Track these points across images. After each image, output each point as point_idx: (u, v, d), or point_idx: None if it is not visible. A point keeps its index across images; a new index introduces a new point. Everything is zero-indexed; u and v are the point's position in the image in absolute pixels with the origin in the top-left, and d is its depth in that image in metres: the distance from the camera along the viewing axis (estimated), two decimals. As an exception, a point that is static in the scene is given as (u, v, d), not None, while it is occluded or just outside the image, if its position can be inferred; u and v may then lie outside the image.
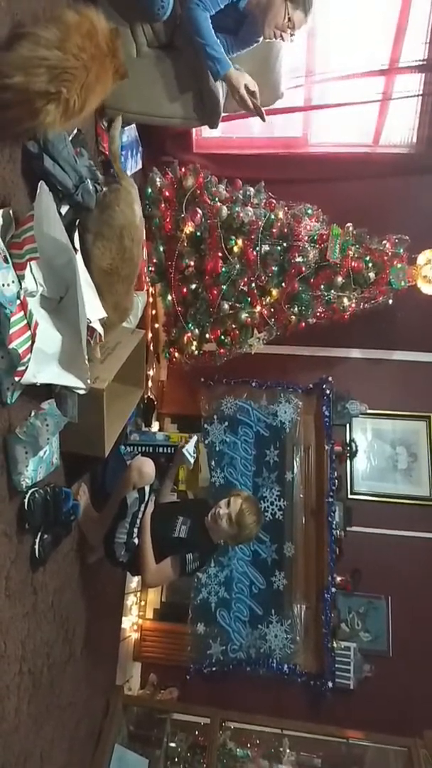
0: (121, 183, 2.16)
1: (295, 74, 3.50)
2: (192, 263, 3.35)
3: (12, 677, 1.97)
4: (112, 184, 2.18)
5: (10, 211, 1.71)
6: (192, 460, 2.98)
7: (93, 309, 1.97)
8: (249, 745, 3.54)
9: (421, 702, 3.64)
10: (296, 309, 3.45)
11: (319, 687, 3.66)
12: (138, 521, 2.49)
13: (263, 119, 2.34)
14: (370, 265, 3.44)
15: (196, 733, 3.54)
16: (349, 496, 4.13)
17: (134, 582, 3.85)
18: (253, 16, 2.40)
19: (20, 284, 1.70)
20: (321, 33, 3.48)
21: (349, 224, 3.46)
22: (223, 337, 3.56)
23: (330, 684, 3.64)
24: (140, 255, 2.28)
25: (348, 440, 4.21)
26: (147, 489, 2.50)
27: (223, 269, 3.29)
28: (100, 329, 2.04)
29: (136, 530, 2.50)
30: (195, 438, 3.09)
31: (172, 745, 3.50)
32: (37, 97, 1.55)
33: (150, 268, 3.41)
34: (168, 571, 2.53)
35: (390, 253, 3.47)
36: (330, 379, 4.11)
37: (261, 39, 2.57)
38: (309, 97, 3.67)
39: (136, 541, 2.50)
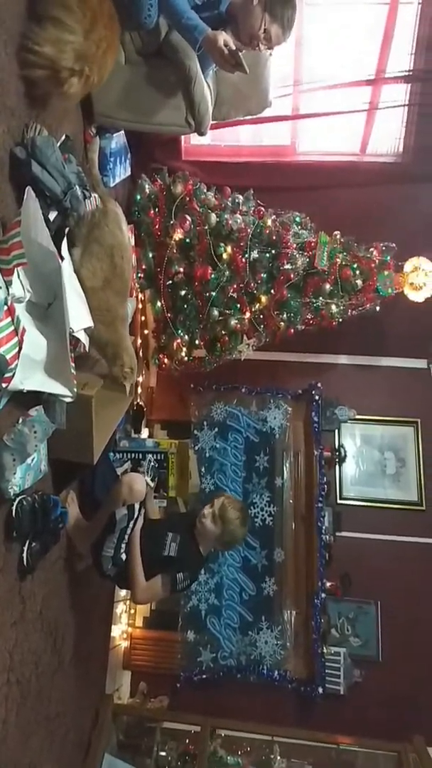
0: (106, 206, 2.16)
1: (283, 83, 3.53)
2: (181, 270, 3.36)
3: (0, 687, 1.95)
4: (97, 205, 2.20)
5: (-2, 217, 1.71)
6: (149, 480, 2.94)
7: (79, 318, 1.97)
8: (239, 753, 3.52)
9: (410, 707, 3.65)
10: (285, 315, 3.47)
11: (309, 693, 3.65)
12: (126, 537, 2.47)
13: (246, 72, 2.28)
14: (357, 272, 3.48)
15: (187, 741, 3.52)
16: (339, 502, 4.14)
17: (123, 591, 3.83)
18: (233, 21, 2.40)
19: (8, 290, 1.69)
20: (308, 43, 3.51)
21: (336, 232, 3.50)
22: (212, 343, 3.57)
23: (320, 690, 3.63)
24: (131, 273, 2.28)
25: (337, 446, 4.22)
26: (136, 506, 2.49)
27: (213, 276, 3.31)
28: (84, 340, 2.04)
29: (123, 546, 2.47)
30: (148, 458, 3.08)
31: (163, 753, 3.47)
32: (64, 69, 1.85)
33: (139, 275, 3.41)
34: (158, 589, 2.52)
35: (377, 261, 3.50)
36: (319, 385, 4.13)
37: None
38: (297, 106, 3.69)
39: (123, 556, 2.47)
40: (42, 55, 1.80)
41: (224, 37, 2.22)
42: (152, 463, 3.07)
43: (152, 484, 3.00)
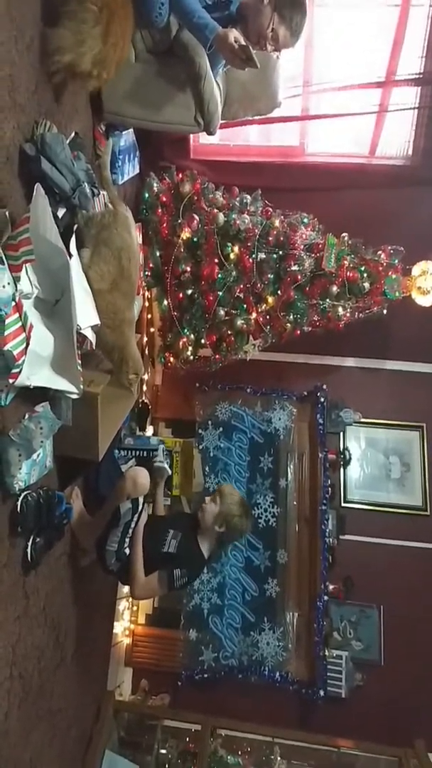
0: (116, 209, 2.17)
1: (293, 84, 3.53)
2: (188, 269, 3.37)
3: (2, 681, 1.96)
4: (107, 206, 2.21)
5: (7, 213, 1.71)
6: (167, 467, 2.98)
7: (86, 315, 1.97)
8: (240, 753, 3.52)
9: (412, 711, 3.64)
10: (291, 317, 3.47)
11: (310, 695, 3.65)
12: (130, 531, 2.48)
13: (257, 67, 2.29)
14: (365, 275, 3.47)
15: (187, 739, 3.52)
16: (342, 505, 4.13)
17: (126, 587, 3.84)
18: (243, 21, 2.41)
19: (16, 286, 1.70)
20: (319, 44, 3.52)
21: (344, 234, 3.49)
22: (218, 342, 3.57)
23: (321, 692, 3.63)
24: (138, 276, 2.29)
25: (342, 448, 4.22)
26: (141, 500, 2.49)
27: (219, 275, 3.31)
28: (91, 337, 2.04)
29: (127, 540, 2.48)
30: (161, 446, 3.10)
31: (163, 751, 3.48)
32: (83, 73, 1.98)
33: (146, 273, 3.42)
34: (155, 585, 2.51)
35: (385, 264, 3.49)
36: (324, 387, 4.13)
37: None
38: (306, 106, 3.70)
39: (127, 551, 2.49)
40: (61, 63, 1.92)
41: (234, 34, 2.24)
42: (166, 451, 3.08)
43: (169, 472, 3.02)
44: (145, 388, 3.83)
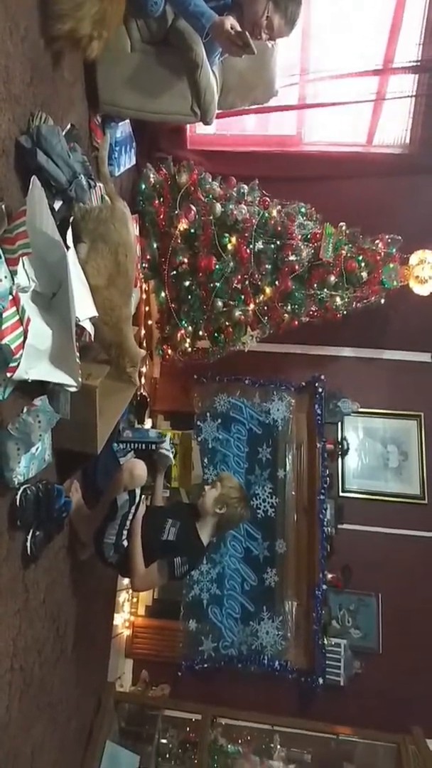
0: (114, 204, 2.15)
1: (289, 72, 3.50)
2: (186, 260, 3.36)
3: (3, 674, 1.96)
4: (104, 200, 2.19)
5: (3, 206, 1.69)
6: (171, 456, 2.99)
7: (84, 307, 1.97)
8: (240, 742, 3.55)
9: (410, 699, 3.67)
10: (289, 307, 3.46)
11: (309, 683, 3.68)
12: (128, 523, 2.48)
13: (254, 53, 2.28)
14: (362, 264, 3.46)
15: (188, 729, 3.55)
16: (341, 494, 4.15)
17: (126, 579, 3.85)
18: (238, 9, 2.39)
19: (13, 279, 1.69)
20: (315, 32, 3.48)
21: (342, 223, 3.48)
22: (216, 334, 3.56)
23: (320, 680, 3.66)
24: (134, 272, 2.28)
25: (340, 438, 4.23)
26: (138, 491, 2.49)
27: (217, 266, 3.30)
28: (90, 329, 2.03)
29: (125, 532, 2.48)
30: (168, 435, 3.11)
31: (164, 741, 3.51)
32: (84, 37, 2.01)
33: (143, 265, 3.41)
34: (156, 575, 2.51)
35: (383, 253, 3.49)
36: (322, 377, 4.12)
37: None
38: (303, 95, 3.67)
39: (125, 543, 2.49)
40: (63, 30, 1.94)
41: (231, 21, 2.22)
42: (172, 441, 3.10)
43: (172, 461, 3.03)
44: (143, 380, 3.83)
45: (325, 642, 3.72)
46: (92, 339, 2.10)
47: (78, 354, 1.91)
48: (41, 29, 1.93)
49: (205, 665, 3.78)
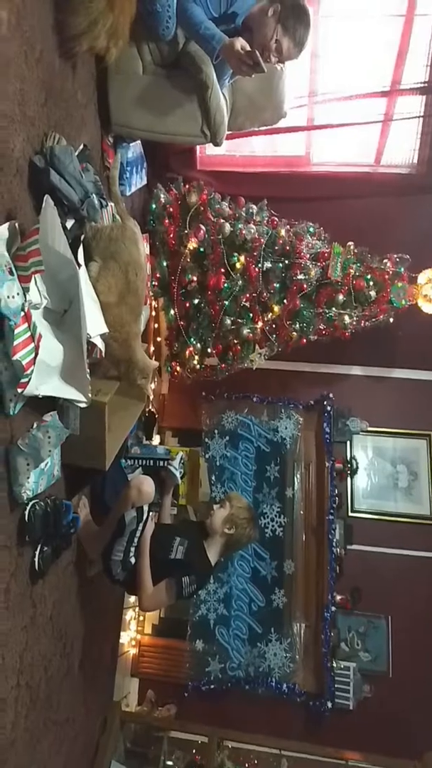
0: (125, 223, 2.19)
1: (298, 94, 3.56)
2: (195, 278, 3.39)
3: (9, 690, 1.95)
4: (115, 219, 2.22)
5: (16, 224, 1.73)
6: (178, 476, 2.97)
7: (95, 324, 1.99)
8: (247, 765, 3.48)
9: (420, 724, 3.60)
10: (297, 325, 3.48)
11: (318, 707, 3.62)
12: (135, 540, 2.47)
13: (264, 71, 2.31)
14: (371, 283, 3.48)
15: (194, 751, 3.49)
16: (350, 514, 4.11)
17: (133, 597, 3.83)
18: (247, 32, 2.43)
19: (25, 296, 1.72)
20: (324, 54, 3.54)
21: (350, 243, 3.51)
22: (224, 352, 3.58)
23: (329, 704, 3.60)
24: (144, 290, 2.30)
25: (348, 457, 4.20)
26: (145, 508, 2.49)
27: (226, 285, 3.33)
28: (101, 345, 2.05)
29: (133, 549, 2.47)
30: (181, 454, 3.10)
31: (170, 763, 3.45)
32: (101, 49, 2.11)
33: (153, 283, 3.44)
34: (164, 595, 2.49)
35: (391, 272, 3.50)
36: (331, 395, 4.13)
37: None
38: (312, 116, 3.73)
39: (132, 560, 2.47)
40: (82, 49, 2.05)
41: (241, 42, 2.26)
42: (183, 461, 3.07)
43: (178, 481, 3.02)
44: (152, 397, 3.84)
45: (334, 665, 3.68)
46: (103, 355, 2.12)
47: (88, 370, 1.93)
48: (57, 50, 1.98)
49: (212, 686, 3.73)
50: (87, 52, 2.10)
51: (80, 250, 1.99)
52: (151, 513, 2.58)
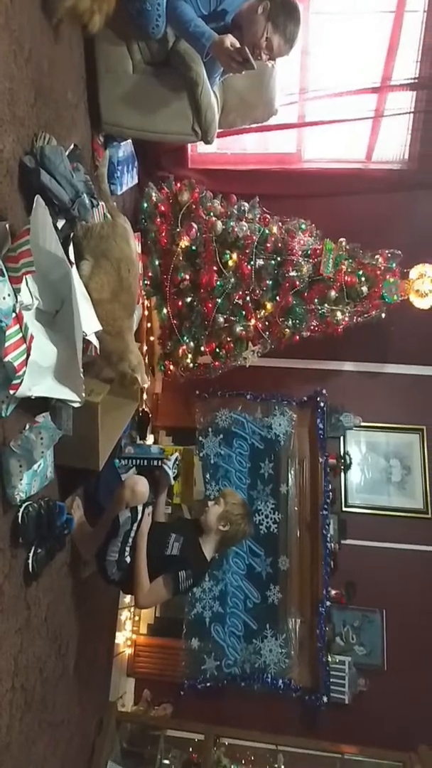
0: (115, 220, 2.18)
1: (289, 91, 3.54)
2: (187, 277, 3.38)
3: (4, 693, 1.95)
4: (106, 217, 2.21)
5: (6, 225, 1.72)
6: (171, 476, 2.96)
7: (88, 322, 1.98)
8: (244, 762, 3.50)
9: (415, 716, 3.62)
10: (290, 322, 3.48)
11: (313, 701, 3.64)
12: (130, 540, 2.47)
13: (254, 68, 2.31)
14: (363, 279, 3.48)
15: (191, 749, 3.50)
16: (344, 509, 4.13)
17: (128, 597, 3.83)
18: (237, 30, 2.42)
19: (16, 297, 1.71)
20: (314, 51, 3.53)
21: (342, 239, 3.50)
22: (217, 350, 3.58)
23: (325, 698, 3.62)
24: (137, 288, 2.29)
25: (342, 453, 4.21)
26: (140, 508, 2.49)
27: (218, 283, 3.32)
28: (95, 342, 2.05)
29: (128, 549, 2.47)
30: (176, 455, 3.09)
31: (166, 762, 3.46)
32: (85, 12, 2.06)
33: (145, 282, 3.43)
34: (161, 591, 2.49)
35: (383, 268, 3.50)
36: (324, 391, 4.13)
37: None
38: (303, 113, 3.71)
39: (128, 559, 2.47)
40: (64, 7, 2.00)
41: (231, 39, 2.25)
42: (177, 461, 3.06)
43: (171, 482, 3.01)
44: (145, 396, 3.83)
45: (329, 659, 3.69)
46: (98, 352, 2.11)
47: (82, 370, 1.92)
48: (44, 52, 1.96)
49: (208, 684, 3.74)
50: (70, 14, 2.02)
51: (71, 249, 1.98)
52: (147, 509, 2.58)
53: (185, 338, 3.52)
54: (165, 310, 3.48)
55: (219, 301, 3.36)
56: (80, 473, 2.52)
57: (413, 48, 3.47)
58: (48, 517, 2.07)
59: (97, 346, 2.08)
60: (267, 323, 3.50)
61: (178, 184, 3.44)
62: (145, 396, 3.81)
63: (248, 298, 3.40)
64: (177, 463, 3.05)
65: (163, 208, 3.39)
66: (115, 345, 2.26)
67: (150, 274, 3.44)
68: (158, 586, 2.48)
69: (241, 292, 3.37)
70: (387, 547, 4.03)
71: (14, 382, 1.70)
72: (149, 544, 2.54)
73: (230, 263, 3.32)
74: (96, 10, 2.07)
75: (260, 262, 3.34)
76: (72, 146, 2.27)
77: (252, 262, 3.33)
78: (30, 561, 2.04)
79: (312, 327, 3.57)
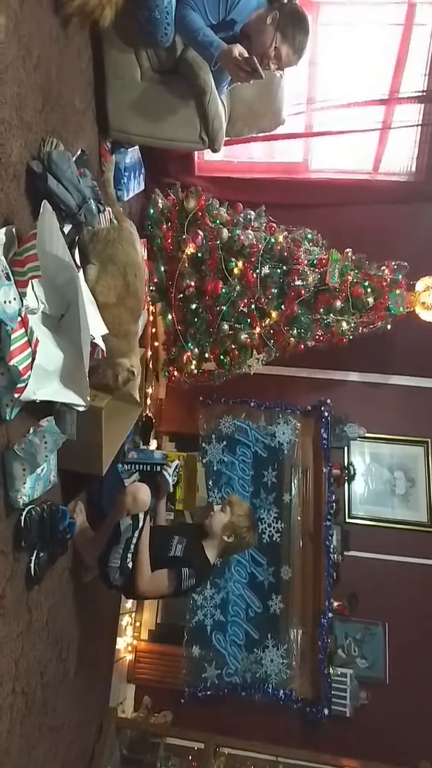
0: (121, 224, 2.19)
1: (296, 101, 3.57)
2: (192, 284, 3.39)
3: (5, 697, 1.94)
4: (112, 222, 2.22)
5: (13, 229, 1.73)
6: (171, 483, 2.96)
7: (95, 325, 1.99)
8: (243, 772, 3.47)
9: (418, 731, 3.59)
10: (295, 331, 3.48)
11: (314, 714, 3.61)
12: (132, 546, 2.46)
13: (262, 77, 2.31)
14: (369, 290, 3.47)
15: (190, 758, 3.47)
16: (347, 520, 4.11)
17: (129, 602, 3.82)
18: (246, 40, 2.44)
19: (22, 301, 1.71)
20: (322, 62, 3.56)
21: (348, 250, 3.51)
22: (222, 357, 3.58)
23: (326, 711, 3.59)
24: (144, 292, 2.29)
25: (346, 463, 4.20)
26: (141, 515, 2.48)
27: (223, 290, 3.33)
28: (102, 345, 2.06)
29: (129, 555, 2.46)
30: (177, 462, 3.09)
31: (165, 769, 3.44)
32: (96, 8, 2.07)
33: (151, 288, 3.44)
34: (163, 581, 2.49)
35: (389, 279, 3.50)
36: (328, 401, 4.13)
37: None
38: (310, 123, 3.73)
39: (129, 565, 2.47)
40: (73, 6, 2.01)
41: (239, 48, 2.26)
42: (178, 468, 3.07)
43: (170, 489, 3.01)
44: (149, 401, 3.84)
45: (331, 671, 3.66)
46: (104, 355, 2.12)
47: (87, 374, 1.93)
48: (52, 58, 1.98)
49: (209, 692, 3.72)
50: (80, 12, 2.03)
51: (76, 253, 1.99)
52: (147, 519, 2.57)
53: (190, 344, 3.53)
54: (170, 316, 3.49)
55: (224, 308, 3.36)
56: (83, 478, 2.52)
57: (421, 61, 3.50)
58: (50, 521, 2.07)
59: (104, 349, 2.09)
60: (272, 331, 3.50)
61: (185, 192, 3.46)
62: (148, 401, 3.82)
63: (253, 306, 3.41)
64: (177, 470, 3.06)
65: (169, 215, 3.41)
66: (120, 346, 2.27)
67: (155, 280, 3.46)
68: (161, 576, 2.48)
69: (246, 300, 3.37)
70: (390, 559, 4.01)
71: (19, 385, 1.71)
72: (153, 545, 2.53)
73: (236, 271, 3.33)
74: (106, 3, 2.08)
75: (266, 270, 3.35)
76: (79, 152, 2.28)
77: (257, 271, 3.34)
78: (32, 565, 2.03)
79: (317, 336, 3.57)
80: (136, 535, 2.46)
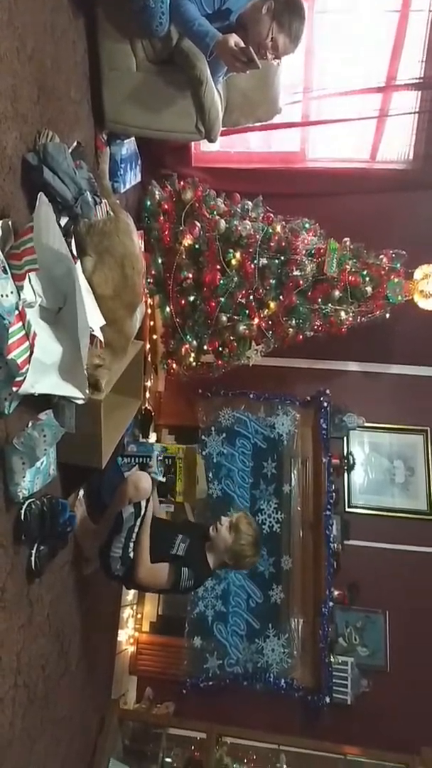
0: (117, 216, 2.17)
1: (293, 90, 3.54)
2: (190, 275, 3.38)
3: (6, 690, 1.95)
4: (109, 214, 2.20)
5: (9, 222, 1.72)
6: (158, 477, 2.96)
7: (92, 317, 1.98)
8: (246, 761, 3.49)
9: (419, 717, 3.61)
10: (294, 322, 3.47)
11: (316, 702, 3.63)
12: (134, 536, 2.47)
13: (258, 67, 2.29)
14: (367, 279, 3.47)
15: (192, 748, 3.50)
16: (347, 510, 4.12)
17: (130, 594, 3.83)
18: (242, 30, 2.41)
19: (19, 295, 1.71)
20: (319, 50, 3.53)
21: (346, 239, 3.50)
22: (221, 348, 3.58)
23: (327, 699, 3.61)
24: (141, 284, 2.28)
25: (345, 453, 4.20)
26: (143, 503, 2.49)
27: (221, 282, 3.32)
28: (100, 336, 2.05)
29: (131, 545, 2.47)
30: (155, 453, 3.08)
31: (168, 760, 3.46)
32: None
33: (148, 280, 3.43)
34: (162, 575, 2.49)
35: (387, 268, 3.49)
36: (327, 391, 4.13)
37: None
38: (307, 112, 3.71)
39: (131, 555, 2.48)
40: None
41: (235, 38, 2.24)
42: (160, 458, 3.07)
43: (162, 479, 3.00)
44: (148, 394, 3.83)
45: (332, 660, 3.68)
46: (103, 346, 2.11)
47: (86, 367, 1.92)
48: (47, 50, 1.96)
49: (210, 683, 3.74)
50: None
51: (72, 243, 1.98)
52: (148, 508, 2.57)
53: (188, 337, 3.52)
54: (168, 309, 3.48)
55: (222, 299, 3.36)
56: (83, 471, 2.52)
57: (418, 48, 3.46)
58: (51, 515, 2.07)
59: (102, 339, 2.08)
60: (270, 322, 3.50)
61: (182, 183, 3.44)
62: (147, 394, 3.82)
63: (251, 297, 3.40)
64: (159, 460, 3.06)
65: (166, 207, 3.39)
66: (117, 340, 2.26)
67: (153, 272, 3.44)
68: (161, 569, 2.48)
69: (244, 291, 3.36)
70: (390, 548, 4.02)
71: (17, 379, 1.70)
72: (156, 540, 2.53)
73: (233, 262, 3.32)
74: None
75: (264, 261, 3.34)
76: (75, 144, 2.27)
77: (255, 261, 3.32)
78: (33, 558, 2.04)
79: (315, 326, 3.56)
80: (137, 524, 2.47)
